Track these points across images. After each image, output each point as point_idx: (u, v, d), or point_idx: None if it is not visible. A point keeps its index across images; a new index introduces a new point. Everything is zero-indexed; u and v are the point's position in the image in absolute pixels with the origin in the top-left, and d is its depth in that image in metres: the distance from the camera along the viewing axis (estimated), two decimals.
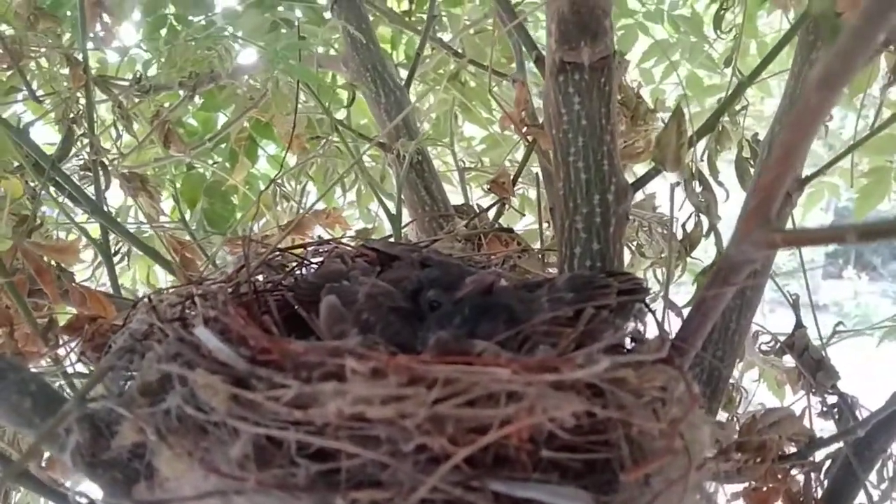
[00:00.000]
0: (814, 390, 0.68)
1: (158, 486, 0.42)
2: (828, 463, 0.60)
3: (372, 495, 0.35)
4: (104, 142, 1.13)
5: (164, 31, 1.48)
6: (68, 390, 0.65)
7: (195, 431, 0.39)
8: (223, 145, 1.52)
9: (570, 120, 0.57)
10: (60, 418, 0.41)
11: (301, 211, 1.08)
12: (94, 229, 1.10)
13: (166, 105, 1.28)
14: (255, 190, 1.56)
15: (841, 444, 0.62)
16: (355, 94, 0.80)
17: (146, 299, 0.50)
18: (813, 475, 0.58)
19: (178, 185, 1.51)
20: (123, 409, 0.42)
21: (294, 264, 0.62)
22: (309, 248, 0.64)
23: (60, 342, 0.65)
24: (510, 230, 0.70)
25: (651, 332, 0.52)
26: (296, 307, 0.54)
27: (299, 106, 1.38)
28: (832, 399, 0.66)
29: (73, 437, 0.43)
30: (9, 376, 0.43)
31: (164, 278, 1.48)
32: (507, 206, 0.76)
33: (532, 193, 1.32)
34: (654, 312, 0.50)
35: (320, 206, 1.46)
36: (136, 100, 1.22)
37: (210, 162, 1.53)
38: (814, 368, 0.66)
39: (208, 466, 0.37)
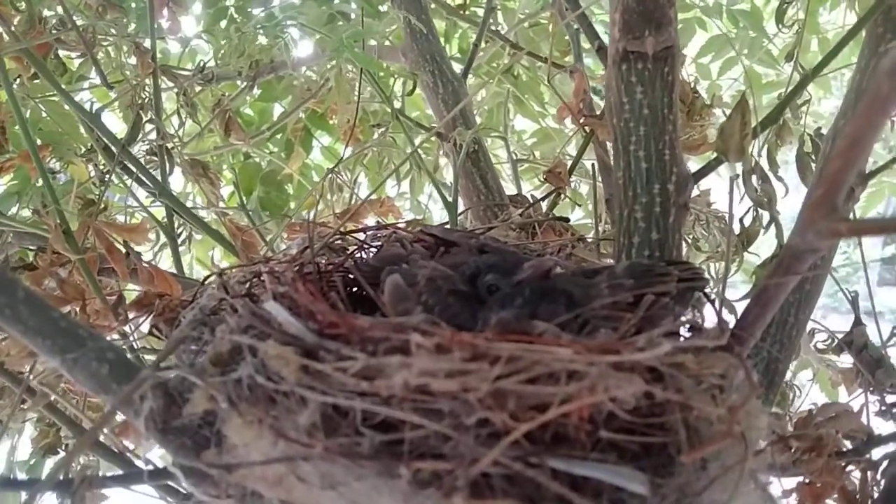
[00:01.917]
0: (872, 388, 0.67)
1: (227, 452, 0.44)
2: (885, 462, 0.59)
3: (434, 466, 0.36)
4: (167, 129, 1.17)
5: (223, 23, 1.53)
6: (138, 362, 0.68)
7: (265, 400, 0.41)
8: (279, 135, 1.56)
9: (632, 109, 0.57)
10: (137, 384, 0.43)
11: (354, 200, 1.10)
12: (156, 212, 1.14)
13: (226, 94, 1.32)
14: (308, 179, 1.60)
15: None
16: (416, 83, 0.81)
17: (216, 276, 0.52)
18: (869, 473, 0.57)
19: (237, 172, 1.55)
20: (196, 377, 0.43)
21: (354, 248, 0.64)
22: (368, 233, 0.65)
23: (129, 317, 0.67)
24: (566, 220, 0.70)
25: (708, 322, 0.52)
26: (361, 285, 0.56)
27: (354, 97, 1.41)
28: (891, 398, 0.64)
29: (147, 404, 0.45)
30: (88, 344, 0.46)
31: (217, 262, 1.53)
32: (561, 197, 0.76)
33: (583, 187, 1.32)
34: (712, 301, 0.50)
35: (373, 195, 1.48)
36: (198, 88, 1.26)
37: (266, 151, 1.56)
38: (873, 366, 0.65)
39: (277, 433, 0.39)
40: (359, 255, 0.64)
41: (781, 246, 0.61)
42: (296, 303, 0.45)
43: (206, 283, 0.55)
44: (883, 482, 0.59)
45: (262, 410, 0.41)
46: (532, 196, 0.83)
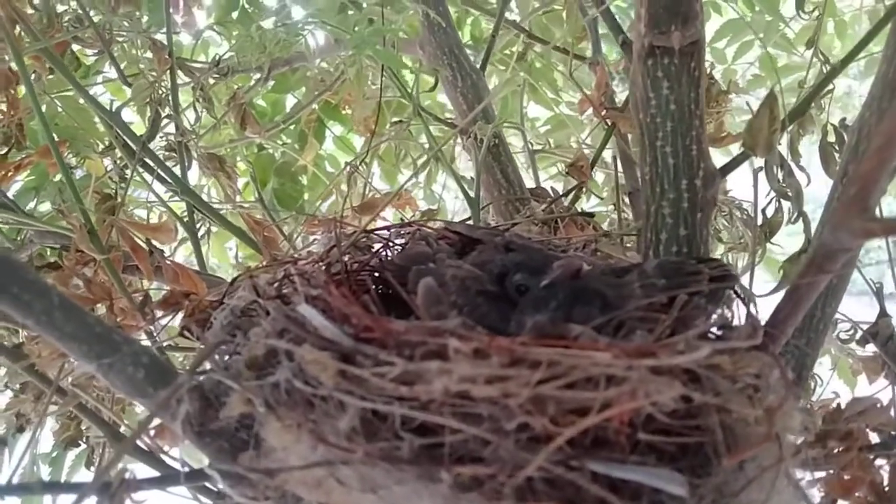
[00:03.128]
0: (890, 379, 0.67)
1: (265, 455, 0.44)
2: None
3: (475, 470, 0.36)
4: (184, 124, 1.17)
5: (235, 14, 1.52)
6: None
7: (303, 404, 0.41)
8: (292, 127, 1.56)
9: (659, 104, 0.57)
10: (175, 388, 0.43)
11: (370, 192, 1.10)
12: (175, 208, 1.15)
13: (237, 87, 1.31)
14: (322, 170, 1.60)
15: None
16: (437, 79, 0.81)
17: (248, 276, 0.52)
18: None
19: (253, 165, 1.55)
20: (233, 381, 0.44)
21: (378, 246, 0.64)
22: (392, 231, 0.66)
23: (156, 317, 0.68)
24: (591, 215, 0.70)
25: (736, 318, 0.52)
26: (388, 283, 0.57)
27: (370, 89, 1.40)
28: None
29: (183, 407, 0.46)
30: (123, 349, 0.46)
31: (233, 257, 1.53)
32: (584, 190, 0.76)
33: (598, 176, 1.31)
34: (744, 300, 0.50)
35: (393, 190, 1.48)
36: (212, 81, 1.26)
37: (279, 143, 1.56)
38: None
39: (317, 437, 0.39)
40: (384, 253, 0.64)
41: (809, 240, 0.60)
42: (329, 306, 0.45)
43: (235, 283, 0.55)
44: None
45: (300, 414, 0.41)
46: (553, 189, 0.83)
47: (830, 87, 0.76)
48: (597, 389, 0.36)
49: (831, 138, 0.78)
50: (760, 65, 1.42)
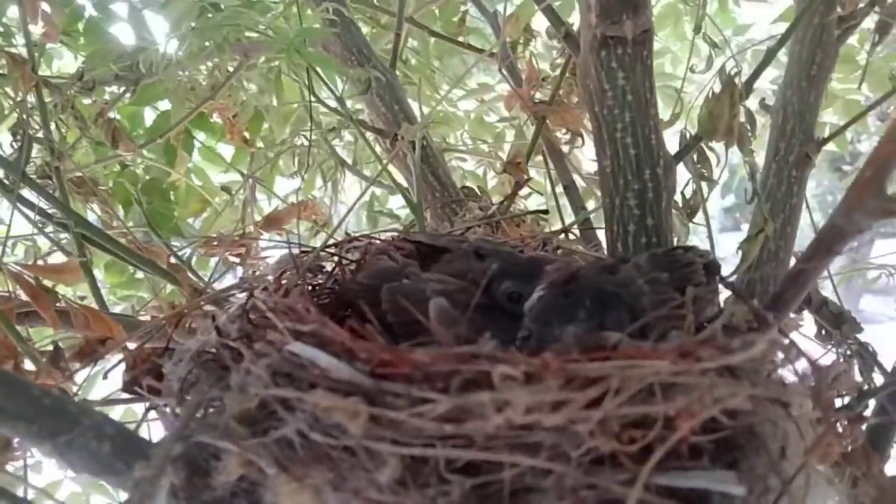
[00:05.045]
0: (832, 343, 0.70)
1: None
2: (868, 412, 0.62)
3: None
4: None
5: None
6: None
7: (324, 459, 0.36)
8: (157, 140, 1.44)
9: (615, 95, 0.56)
10: (163, 459, 0.37)
11: (275, 205, 1.03)
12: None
13: (103, 101, 1.19)
14: (192, 185, 1.49)
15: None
16: (370, 82, 0.76)
17: (209, 317, 0.46)
18: (858, 426, 0.60)
19: (114, 186, 1.42)
20: (228, 442, 0.38)
21: (331, 265, 0.59)
22: (339, 247, 0.61)
23: (73, 370, 0.59)
24: (545, 212, 0.69)
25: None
26: (351, 305, 0.52)
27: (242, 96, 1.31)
28: (853, 349, 0.68)
29: (165, 480, 0.39)
30: (83, 422, 0.39)
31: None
32: (520, 187, 0.74)
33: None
34: (734, 286, 0.50)
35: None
36: (71, 94, 1.12)
37: (142, 159, 1.44)
38: (835, 322, 0.69)
39: (353, 494, 0.35)
40: (338, 272, 0.59)
41: (765, 218, 0.62)
42: (327, 341, 0.40)
43: (176, 322, 0.48)
44: (867, 433, 0.62)
45: (324, 471, 0.36)
46: (479, 189, 0.80)
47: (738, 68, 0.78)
48: (660, 399, 0.34)
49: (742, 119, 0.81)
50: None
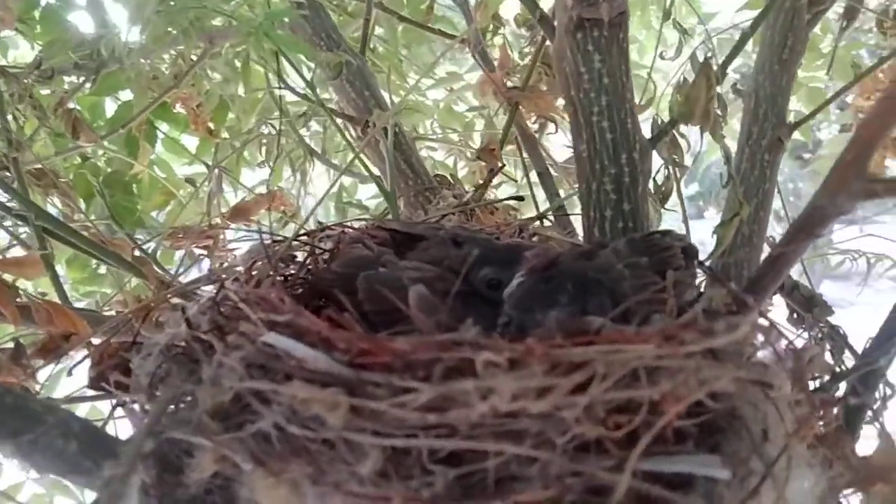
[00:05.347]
0: (803, 326, 0.71)
1: None
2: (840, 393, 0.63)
3: (536, 496, 0.32)
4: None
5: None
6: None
7: (302, 452, 0.35)
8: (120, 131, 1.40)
9: (592, 79, 0.55)
10: (134, 456, 0.35)
11: (242, 196, 1.01)
12: None
13: (63, 91, 1.15)
14: (156, 177, 1.46)
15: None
16: (342, 67, 0.74)
17: (179, 309, 0.44)
18: (832, 408, 0.61)
19: (75, 179, 1.38)
20: (202, 437, 0.36)
21: (303, 255, 0.57)
22: (312, 236, 0.59)
23: (36, 366, 0.57)
24: (521, 198, 0.68)
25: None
26: (324, 294, 0.51)
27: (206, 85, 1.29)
28: (824, 332, 0.69)
29: (136, 479, 0.37)
30: (47, 420, 0.37)
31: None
32: (495, 174, 0.73)
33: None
34: (712, 269, 0.50)
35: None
36: (29, 83, 1.08)
37: (104, 151, 1.41)
38: (806, 305, 0.69)
39: (334, 487, 0.34)
40: (310, 262, 0.57)
41: (740, 202, 0.62)
42: (302, 331, 0.39)
43: (162, 316, 0.46)
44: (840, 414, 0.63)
45: (300, 465, 0.35)
46: (453, 177, 0.79)
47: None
48: (646, 384, 0.33)
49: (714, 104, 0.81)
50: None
